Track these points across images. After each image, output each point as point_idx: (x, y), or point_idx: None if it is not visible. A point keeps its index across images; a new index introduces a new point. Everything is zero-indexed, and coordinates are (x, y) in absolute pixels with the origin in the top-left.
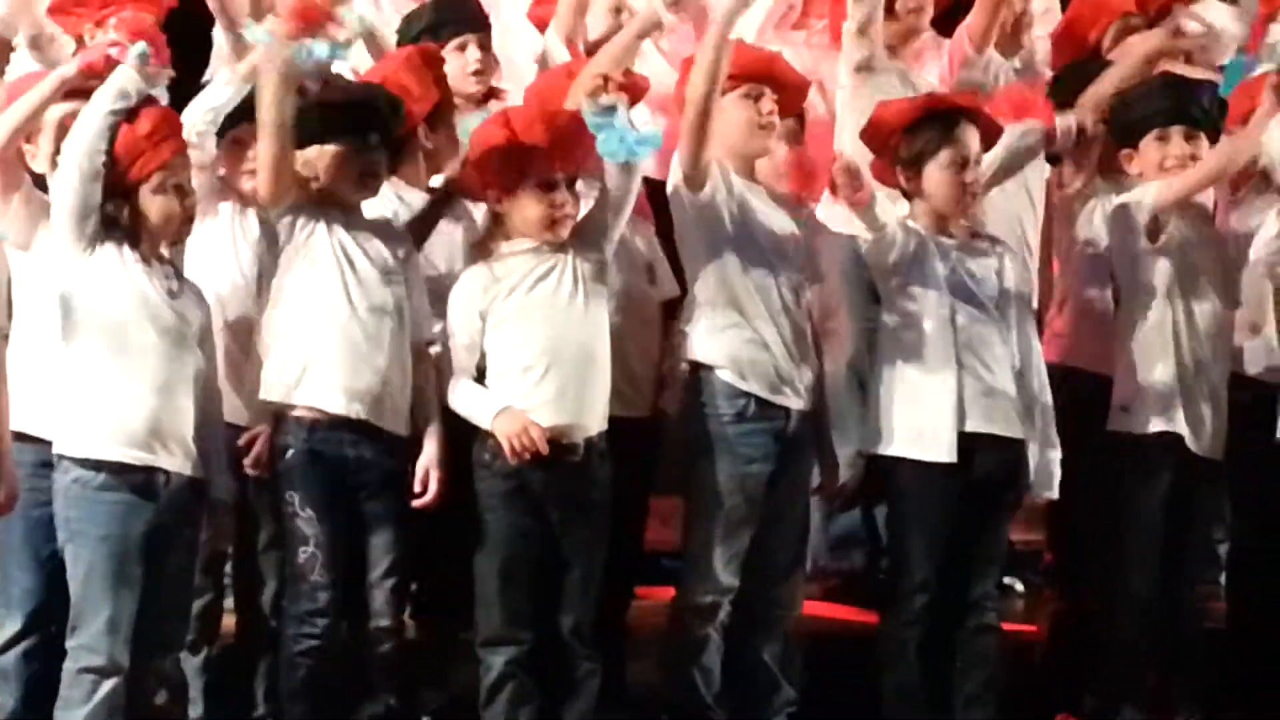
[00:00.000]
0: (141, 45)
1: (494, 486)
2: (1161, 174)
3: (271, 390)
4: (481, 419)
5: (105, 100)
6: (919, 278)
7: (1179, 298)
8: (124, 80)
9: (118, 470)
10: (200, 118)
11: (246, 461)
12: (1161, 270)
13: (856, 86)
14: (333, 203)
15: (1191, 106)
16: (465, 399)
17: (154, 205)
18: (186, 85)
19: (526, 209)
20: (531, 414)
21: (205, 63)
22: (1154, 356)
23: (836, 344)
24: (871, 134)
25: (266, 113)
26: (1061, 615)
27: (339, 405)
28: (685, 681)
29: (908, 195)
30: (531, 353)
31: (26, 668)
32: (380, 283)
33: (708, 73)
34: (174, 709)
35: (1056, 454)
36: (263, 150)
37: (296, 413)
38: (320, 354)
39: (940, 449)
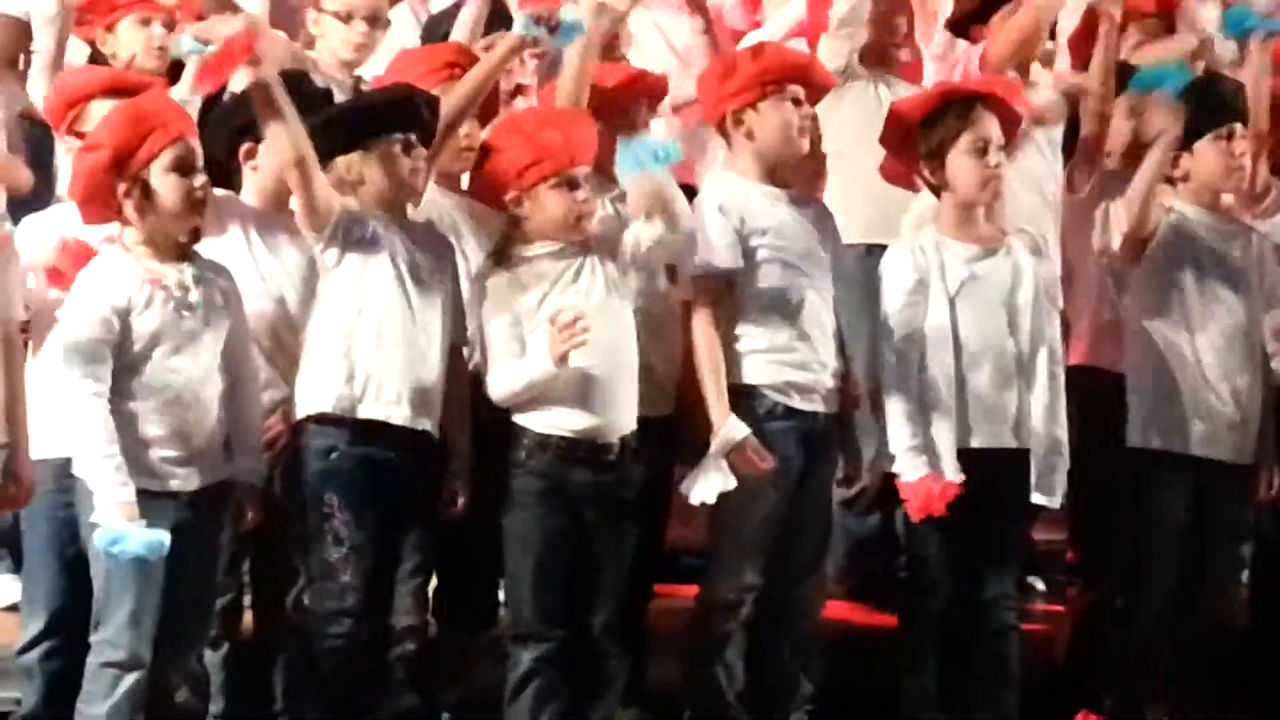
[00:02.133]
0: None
1: (529, 485)
2: (1227, 175)
3: (328, 402)
4: (540, 370)
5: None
6: (922, 299)
7: (1195, 304)
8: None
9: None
10: None
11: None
12: (1174, 280)
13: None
14: (382, 206)
15: (1239, 103)
16: (515, 373)
17: (166, 184)
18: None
19: (549, 208)
20: (564, 415)
21: None
22: (1166, 368)
23: None
24: (890, 132)
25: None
26: (1084, 614)
27: (405, 418)
28: (707, 678)
29: (935, 191)
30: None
31: (49, 666)
32: (432, 287)
33: None
34: (196, 704)
35: (1063, 462)
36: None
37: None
38: (383, 365)
39: (945, 471)
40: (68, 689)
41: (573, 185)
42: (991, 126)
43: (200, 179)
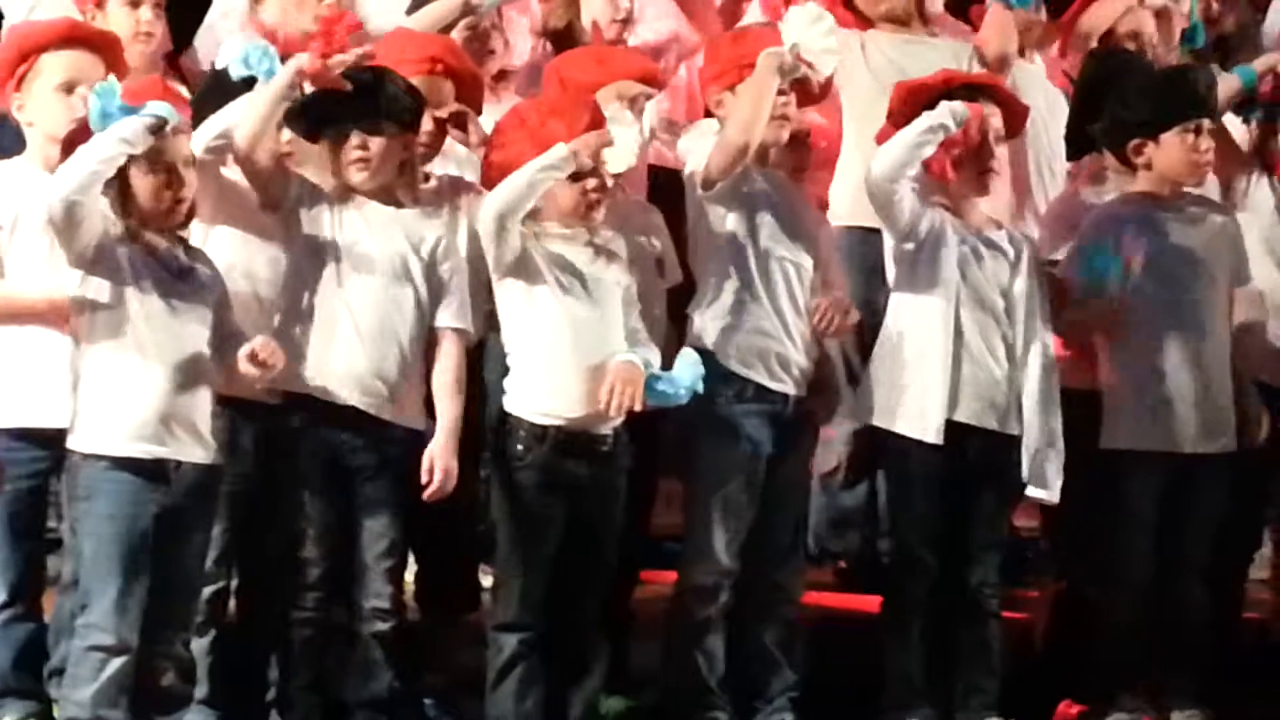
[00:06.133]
0: (164, 109)
1: (524, 478)
2: (1190, 170)
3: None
4: (554, 153)
5: (109, 147)
6: (931, 258)
7: (1165, 300)
8: (132, 132)
9: (127, 459)
10: (212, 138)
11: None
12: (1141, 276)
13: None
14: (333, 191)
15: (1210, 98)
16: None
17: (142, 185)
18: None
19: (560, 199)
20: (561, 408)
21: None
22: (1138, 366)
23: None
24: (894, 114)
25: None
26: (1061, 603)
27: (348, 397)
28: (688, 665)
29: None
30: (563, 343)
31: (14, 636)
32: (395, 273)
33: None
34: (181, 689)
35: (1058, 455)
36: None
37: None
38: (329, 345)
39: (928, 431)
40: (36, 659)
41: (578, 176)
42: (993, 119)
43: (181, 182)
